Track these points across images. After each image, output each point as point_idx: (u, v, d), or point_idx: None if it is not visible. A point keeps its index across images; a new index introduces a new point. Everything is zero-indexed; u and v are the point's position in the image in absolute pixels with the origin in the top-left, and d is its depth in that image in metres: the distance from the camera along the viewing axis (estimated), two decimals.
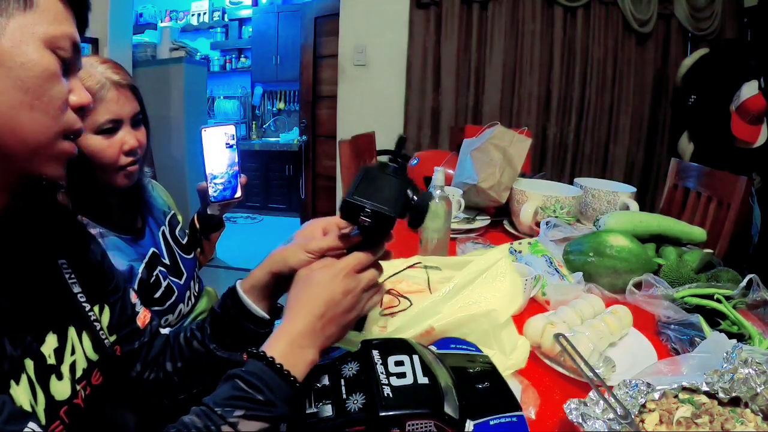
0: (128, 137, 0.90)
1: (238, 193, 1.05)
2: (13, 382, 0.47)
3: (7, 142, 0.45)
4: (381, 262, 0.62)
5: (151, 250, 0.98)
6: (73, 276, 0.60)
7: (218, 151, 1.01)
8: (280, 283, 0.64)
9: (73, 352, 0.56)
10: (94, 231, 0.88)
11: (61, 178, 0.51)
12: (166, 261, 1.02)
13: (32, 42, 0.45)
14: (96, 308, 0.63)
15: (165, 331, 0.75)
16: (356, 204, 0.57)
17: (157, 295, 0.96)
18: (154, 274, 0.97)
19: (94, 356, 0.60)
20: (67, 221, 0.64)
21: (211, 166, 1.01)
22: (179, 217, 1.14)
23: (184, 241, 1.11)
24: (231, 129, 1.02)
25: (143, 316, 0.71)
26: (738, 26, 3.01)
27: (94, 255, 0.67)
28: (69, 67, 0.50)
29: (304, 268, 0.59)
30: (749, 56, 2.66)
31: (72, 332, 0.57)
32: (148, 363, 0.71)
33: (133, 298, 0.71)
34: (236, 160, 1.03)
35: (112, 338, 0.65)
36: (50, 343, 0.53)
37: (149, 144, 1.00)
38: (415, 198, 0.60)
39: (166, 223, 1.08)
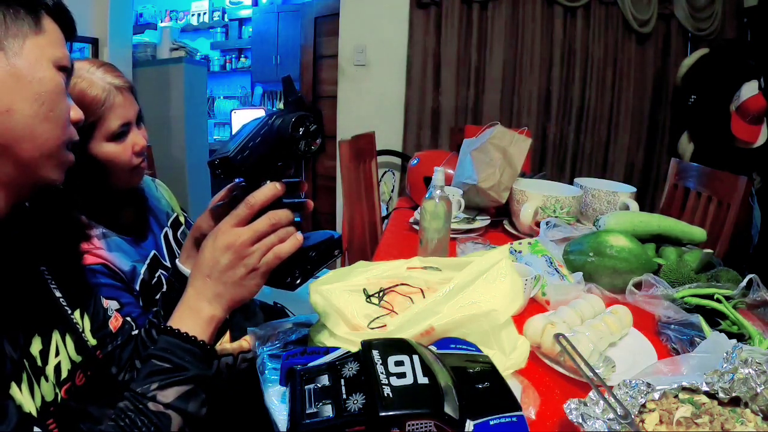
0: (138, 138, 0.92)
1: None
2: (14, 384, 0.49)
3: (25, 147, 0.50)
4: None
5: (153, 252, 0.98)
6: (53, 282, 0.62)
7: None
8: None
9: (57, 354, 0.58)
10: (97, 231, 0.89)
11: (61, 182, 0.56)
12: (167, 264, 1.02)
13: (44, 61, 0.51)
14: (77, 312, 0.65)
15: (136, 332, 0.76)
16: (210, 160, 0.59)
17: (158, 296, 0.96)
18: (156, 275, 0.97)
19: (77, 358, 0.62)
20: (47, 228, 0.66)
21: None
22: (182, 219, 1.14)
23: None
24: (260, 113, 1.02)
25: (115, 320, 0.73)
26: (738, 26, 3.01)
27: (72, 262, 0.69)
28: (67, 86, 0.55)
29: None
30: (749, 56, 2.66)
31: (56, 335, 0.59)
32: (123, 365, 0.72)
33: (105, 303, 0.73)
34: None
35: (94, 341, 0.67)
36: (35, 345, 0.55)
37: None
38: (277, 123, 0.60)
39: (169, 225, 1.08)
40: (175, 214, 1.12)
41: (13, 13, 0.49)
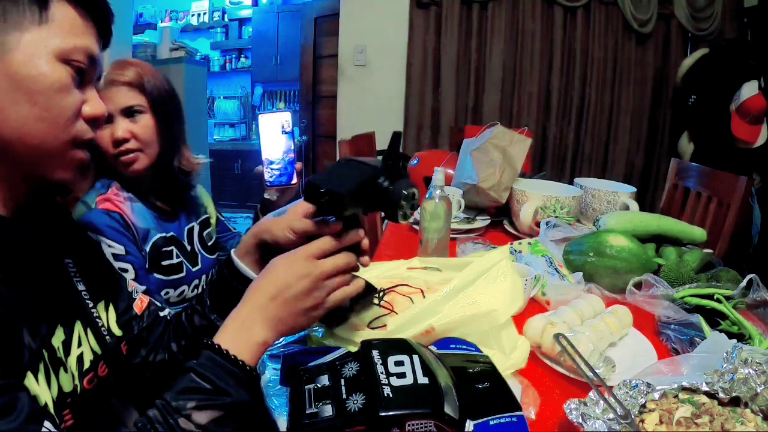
0: (117, 129, 0.94)
1: (294, 180, 1.05)
2: (30, 374, 0.48)
3: (17, 148, 0.48)
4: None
5: (171, 233, 1.03)
6: (77, 275, 0.62)
7: (274, 137, 1.01)
8: (267, 252, 0.64)
9: (79, 345, 0.58)
10: (124, 195, 0.95)
11: (74, 181, 0.53)
12: (186, 247, 1.06)
13: (44, 55, 0.47)
14: (100, 305, 0.65)
15: (164, 313, 0.76)
16: (313, 183, 0.58)
17: (165, 263, 1.00)
18: (170, 247, 1.01)
19: (99, 350, 0.62)
20: (71, 222, 0.66)
21: (267, 151, 1.01)
22: (213, 221, 1.18)
23: (210, 243, 1.15)
24: (287, 116, 1.02)
25: (140, 302, 0.73)
26: (738, 26, 3.01)
27: (96, 254, 0.69)
28: (84, 78, 0.52)
29: (275, 257, 0.59)
30: (749, 56, 2.66)
31: (78, 326, 0.59)
32: (152, 346, 0.72)
33: (130, 286, 0.73)
34: (292, 147, 1.03)
35: (120, 332, 0.67)
36: (58, 336, 0.55)
37: (176, 137, 1.03)
38: (386, 185, 0.60)
39: (198, 223, 1.13)
40: (207, 215, 1.16)
41: (12, 3, 0.46)
